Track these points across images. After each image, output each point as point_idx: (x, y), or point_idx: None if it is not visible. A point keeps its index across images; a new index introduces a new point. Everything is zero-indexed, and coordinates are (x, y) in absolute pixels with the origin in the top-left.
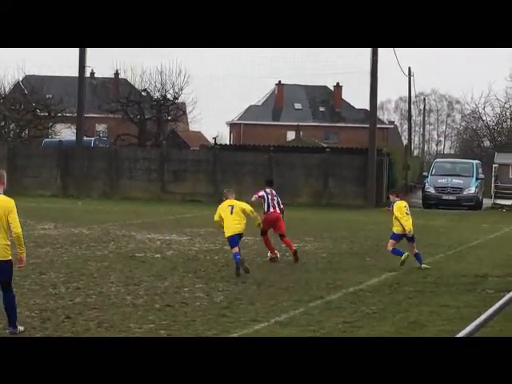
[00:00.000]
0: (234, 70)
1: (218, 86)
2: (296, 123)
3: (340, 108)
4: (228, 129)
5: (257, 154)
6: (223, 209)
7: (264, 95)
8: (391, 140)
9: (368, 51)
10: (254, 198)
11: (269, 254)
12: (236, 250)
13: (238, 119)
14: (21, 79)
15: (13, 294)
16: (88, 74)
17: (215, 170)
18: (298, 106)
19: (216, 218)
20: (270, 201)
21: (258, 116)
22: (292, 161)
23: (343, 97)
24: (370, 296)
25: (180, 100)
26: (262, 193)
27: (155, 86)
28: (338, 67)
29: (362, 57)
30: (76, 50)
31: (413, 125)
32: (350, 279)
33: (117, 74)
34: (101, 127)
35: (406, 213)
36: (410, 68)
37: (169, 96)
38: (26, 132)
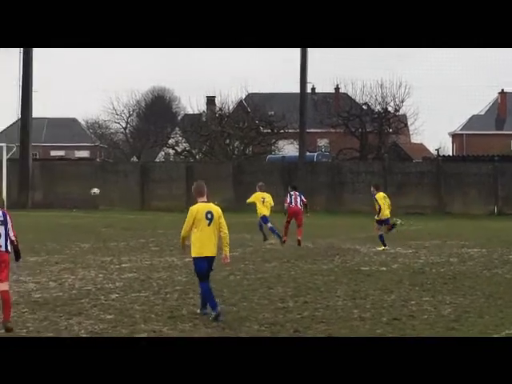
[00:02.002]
0: (455, 79)
1: (440, 96)
2: None
3: None
4: (450, 139)
5: (481, 164)
6: (258, 198)
7: (486, 104)
8: None
9: None
10: (286, 206)
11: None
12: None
13: (461, 129)
14: (244, 97)
15: (207, 283)
16: (309, 90)
17: (439, 181)
18: None
19: (252, 199)
20: (292, 199)
21: (480, 126)
22: None
23: None
24: None
25: (401, 112)
26: (288, 199)
27: (376, 99)
28: None
29: None
30: (297, 67)
31: None
32: None
33: (337, 88)
34: (323, 142)
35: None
36: None
37: (390, 108)
38: (250, 149)
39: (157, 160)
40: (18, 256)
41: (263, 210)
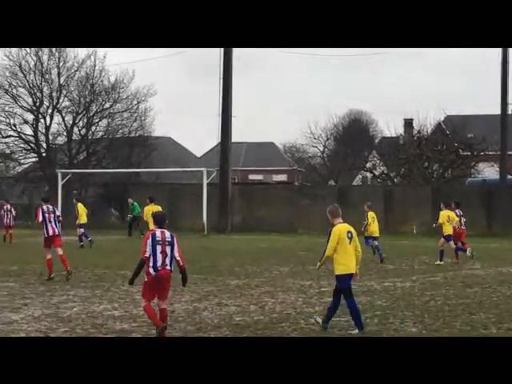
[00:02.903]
0: None
1: None
2: None
3: None
4: None
5: None
6: (371, 217)
7: None
8: None
9: None
10: (454, 224)
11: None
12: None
13: None
14: (442, 119)
15: (354, 300)
16: (510, 111)
17: None
18: None
19: (370, 221)
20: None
21: None
22: None
23: None
24: None
25: None
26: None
27: None
28: None
29: None
30: (497, 88)
31: None
32: None
33: None
34: None
35: (447, 220)
36: None
37: None
38: (449, 172)
39: (354, 183)
40: (184, 279)
41: (376, 230)
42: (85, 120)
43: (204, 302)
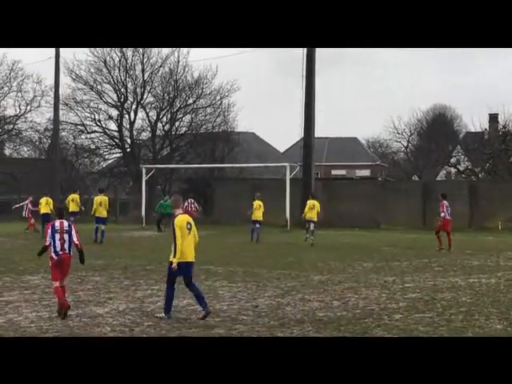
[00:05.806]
0: None
1: None
2: None
3: None
4: None
5: None
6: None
7: None
8: None
9: None
10: (442, 214)
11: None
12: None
13: None
14: None
15: (195, 285)
16: None
17: None
18: None
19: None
20: (446, 211)
21: None
22: None
23: None
24: None
25: None
26: (444, 209)
27: None
28: None
29: None
30: None
31: None
32: None
33: None
34: None
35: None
36: None
37: None
38: None
39: (438, 179)
40: (81, 258)
41: (259, 216)
42: (168, 116)
43: (287, 298)
